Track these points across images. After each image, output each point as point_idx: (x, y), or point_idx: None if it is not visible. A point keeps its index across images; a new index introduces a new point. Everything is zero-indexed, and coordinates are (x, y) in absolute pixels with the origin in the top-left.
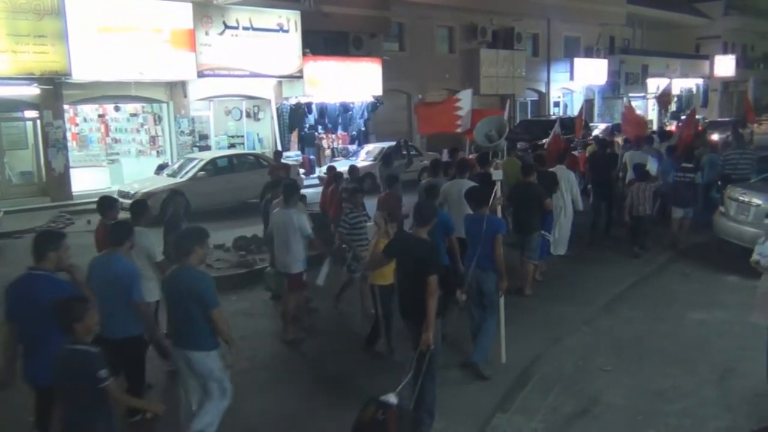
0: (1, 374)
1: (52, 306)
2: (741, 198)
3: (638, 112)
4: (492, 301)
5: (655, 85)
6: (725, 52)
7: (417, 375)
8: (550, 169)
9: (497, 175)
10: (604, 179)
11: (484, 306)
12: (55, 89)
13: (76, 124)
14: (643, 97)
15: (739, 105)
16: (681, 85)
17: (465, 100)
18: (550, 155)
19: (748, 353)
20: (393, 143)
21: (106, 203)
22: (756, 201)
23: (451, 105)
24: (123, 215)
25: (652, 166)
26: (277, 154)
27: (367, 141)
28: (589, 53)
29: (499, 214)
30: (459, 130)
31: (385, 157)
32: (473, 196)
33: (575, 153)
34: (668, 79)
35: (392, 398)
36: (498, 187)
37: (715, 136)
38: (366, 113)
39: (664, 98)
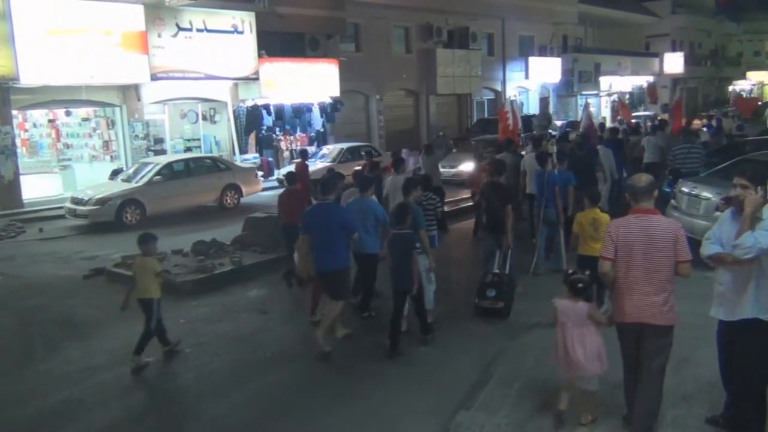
0: (308, 264)
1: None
2: (692, 192)
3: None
4: (557, 230)
5: (607, 82)
6: (674, 49)
7: (504, 263)
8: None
9: (552, 148)
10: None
11: (552, 233)
12: (2, 94)
13: (26, 130)
14: (596, 95)
15: (689, 101)
16: (632, 82)
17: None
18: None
19: (701, 343)
20: (353, 144)
21: (291, 177)
22: (706, 194)
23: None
24: (75, 222)
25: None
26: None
27: (325, 142)
28: (543, 52)
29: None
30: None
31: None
32: (539, 159)
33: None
34: (620, 77)
35: (498, 269)
36: (554, 157)
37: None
38: (324, 114)
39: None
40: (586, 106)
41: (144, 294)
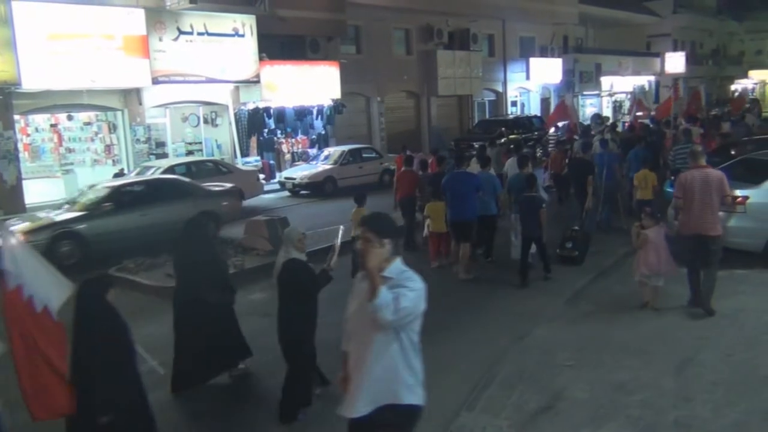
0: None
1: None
2: None
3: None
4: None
5: (608, 83)
6: (675, 49)
7: (585, 220)
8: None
9: (608, 136)
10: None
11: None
12: (5, 99)
13: (28, 135)
14: (598, 95)
15: (690, 101)
16: (633, 82)
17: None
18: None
19: (703, 343)
20: (355, 146)
21: (409, 161)
22: None
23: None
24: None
25: None
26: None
27: (327, 144)
28: (544, 53)
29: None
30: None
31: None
32: (602, 144)
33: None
34: (621, 77)
35: (576, 227)
36: (610, 143)
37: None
38: (323, 117)
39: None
40: (635, 104)
41: None
